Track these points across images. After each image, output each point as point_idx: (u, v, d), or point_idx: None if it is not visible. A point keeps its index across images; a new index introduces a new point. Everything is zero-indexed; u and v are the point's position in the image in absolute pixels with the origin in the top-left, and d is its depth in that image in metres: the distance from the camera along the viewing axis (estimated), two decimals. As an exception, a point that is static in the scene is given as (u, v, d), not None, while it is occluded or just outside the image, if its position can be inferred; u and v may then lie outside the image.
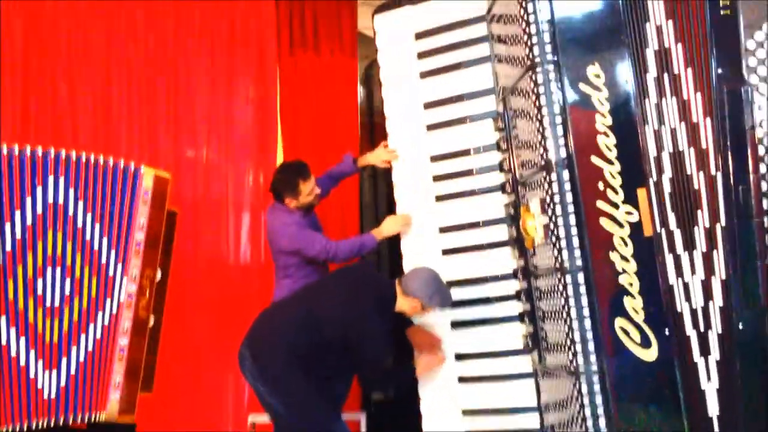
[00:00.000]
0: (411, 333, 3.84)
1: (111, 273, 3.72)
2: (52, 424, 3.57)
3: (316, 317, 3.54)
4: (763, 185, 2.91)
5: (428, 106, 3.84)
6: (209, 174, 4.95)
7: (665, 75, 3.00)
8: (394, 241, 4.00)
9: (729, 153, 2.92)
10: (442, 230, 3.80)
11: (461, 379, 3.70)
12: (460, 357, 3.72)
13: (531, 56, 3.03)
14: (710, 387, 2.94)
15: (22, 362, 3.46)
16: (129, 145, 4.71)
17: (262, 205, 4.96)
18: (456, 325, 3.75)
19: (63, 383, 3.58)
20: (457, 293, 3.73)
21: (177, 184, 4.58)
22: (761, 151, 2.92)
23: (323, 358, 3.51)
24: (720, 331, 2.95)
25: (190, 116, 4.91)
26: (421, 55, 3.85)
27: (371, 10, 4.13)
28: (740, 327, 2.93)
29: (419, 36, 3.85)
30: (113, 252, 3.72)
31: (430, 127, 3.83)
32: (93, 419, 3.70)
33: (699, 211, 2.97)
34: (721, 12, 2.94)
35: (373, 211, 5.44)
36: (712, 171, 2.95)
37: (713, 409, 2.93)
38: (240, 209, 5.03)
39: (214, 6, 4.93)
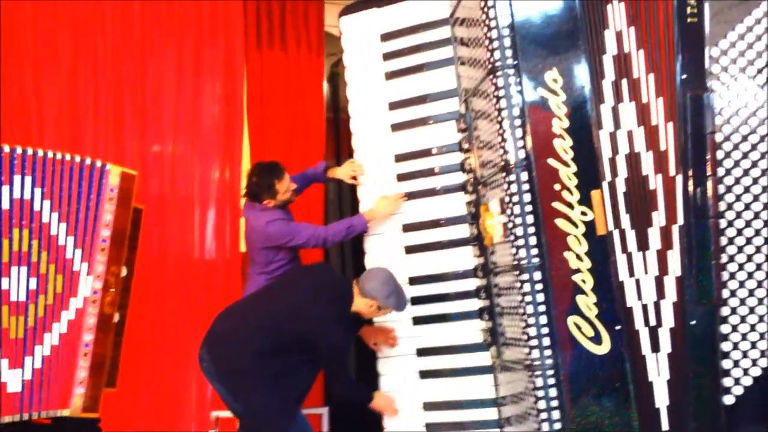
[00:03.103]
0: (364, 331, 3.90)
1: (76, 270, 3.74)
2: (17, 420, 3.59)
3: (275, 318, 3.56)
4: (720, 188, 3.01)
5: (393, 106, 3.90)
6: (175, 169, 4.96)
7: (623, 80, 3.10)
8: (358, 239, 4.07)
9: (689, 156, 3.03)
10: (406, 228, 3.87)
11: (422, 374, 3.78)
12: (421, 352, 3.80)
13: (492, 60, 3.13)
14: (659, 380, 3.06)
15: (-14, 357, 3.48)
16: (95, 140, 4.71)
17: (228, 200, 5.00)
18: (418, 320, 3.83)
19: (27, 378, 3.60)
20: (419, 290, 3.82)
21: (143, 180, 4.60)
22: (720, 155, 3.02)
23: (283, 357, 3.52)
24: (672, 326, 3.07)
25: (157, 112, 4.92)
26: (387, 56, 3.91)
27: (338, 8, 4.19)
28: (692, 323, 3.05)
29: (385, 37, 3.91)
30: (79, 249, 3.74)
31: (395, 127, 3.90)
32: (57, 415, 3.72)
33: (655, 212, 3.08)
34: (688, 20, 3.03)
35: (337, 208, 5.50)
36: (671, 172, 3.06)
37: (662, 400, 3.05)
38: (206, 205, 5.05)
39: (182, 2, 4.95)
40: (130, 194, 3.90)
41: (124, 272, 3.93)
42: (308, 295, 3.60)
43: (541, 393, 3.03)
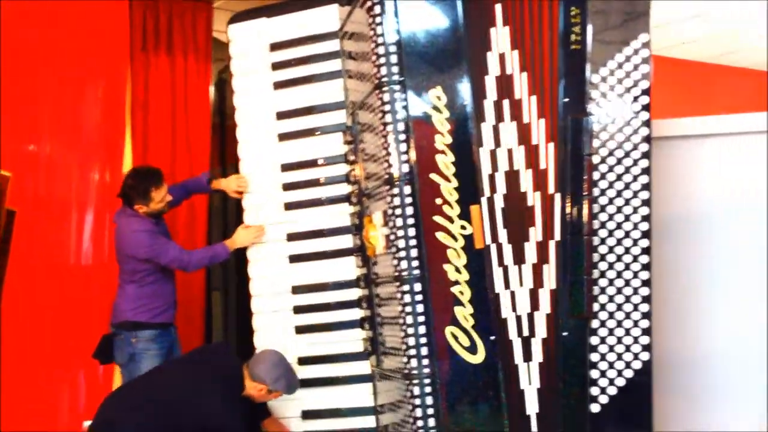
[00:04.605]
0: (266, 424, 3.86)
1: (-58, 273, 3.60)
2: None
3: (166, 405, 3.49)
4: (594, 207, 3.14)
5: (280, 116, 3.91)
6: (53, 171, 4.82)
7: (505, 101, 3.20)
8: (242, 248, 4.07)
9: (567, 175, 3.15)
10: (290, 237, 3.89)
11: (303, 382, 3.79)
12: (302, 361, 3.82)
13: (379, 75, 3.19)
14: (530, 388, 3.18)
15: None
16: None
17: (107, 204, 4.87)
18: (300, 330, 3.85)
19: None
20: (302, 299, 3.84)
21: (19, 181, 4.45)
22: (596, 176, 3.15)
23: None
24: (544, 337, 3.19)
25: (34, 111, 4.77)
26: (275, 66, 3.91)
27: (227, 15, 4.18)
28: (564, 334, 3.18)
29: (274, 47, 3.91)
30: (-54, 252, 3.60)
31: (282, 137, 3.91)
32: None
33: (532, 228, 3.19)
34: (572, 47, 3.14)
35: (221, 216, 5.46)
36: (551, 191, 3.17)
37: (532, 407, 3.17)
38: (84, 208, 4.93)
39: (65, 2, 4.81)
40: (3, 196, 3.77)
41: (-6, 277, 3.79)
42: (197, 383, 3.54)
43: (418, 401, 3.10)
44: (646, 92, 3.16)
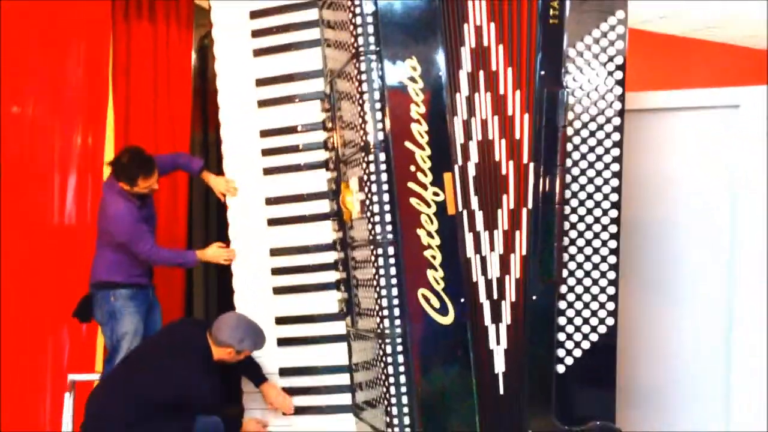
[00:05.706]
0: (264, 389, 3.92)
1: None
2: None
3: (142, 389, 3.59)
4: (567, 177, 3.24)
5: (260, 83, 3.96)
6: (36, 133, 4.86)
7: (481, 72, 3.28)
8: (222, 213, 4.16)
9: (542, 146, 3.24)
10: (268, 201, 3.97)
11: (279, 341, 3.92)
12: (280, 321, 3.92)
13: (356, 45, 3.25)
14: (499, 348, 3.30)
15: None
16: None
17: (89, 166, 4.94)
18: (277, 290, 3.95)
19: None
20: (279, 261, 3.94)
21: (2, 142, 4.50)
22: (569, 147, 3.24)
23: (158, 421, 3.57)
24: (513, 300, 3.31)
25: (16, 74, 4.80)
26: (255, 34, 3.96)
27: (208, -17, 4.21)
28: (533, 298, 3.30)
29: (254, 15, 3.96)
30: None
31: (261, 103, 3.97)
32: None
33: (504, 195, 3.29)
34: (550, 21, 3.23)
35: (202, 185, 5.51)
36: (525, 160, 3.27)
37: (499, 366, 3.30)
38: (67, 170, 4.97)
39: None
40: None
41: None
42: (169, 363, 3.65)
43: (390, 359, 3.23)
44: (620, 67, 3.26)
